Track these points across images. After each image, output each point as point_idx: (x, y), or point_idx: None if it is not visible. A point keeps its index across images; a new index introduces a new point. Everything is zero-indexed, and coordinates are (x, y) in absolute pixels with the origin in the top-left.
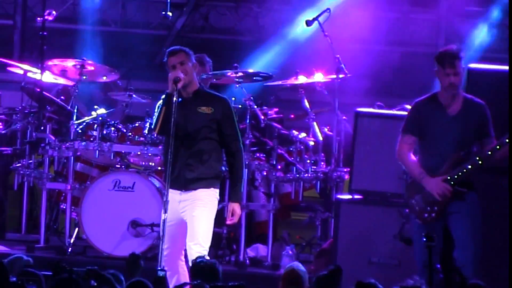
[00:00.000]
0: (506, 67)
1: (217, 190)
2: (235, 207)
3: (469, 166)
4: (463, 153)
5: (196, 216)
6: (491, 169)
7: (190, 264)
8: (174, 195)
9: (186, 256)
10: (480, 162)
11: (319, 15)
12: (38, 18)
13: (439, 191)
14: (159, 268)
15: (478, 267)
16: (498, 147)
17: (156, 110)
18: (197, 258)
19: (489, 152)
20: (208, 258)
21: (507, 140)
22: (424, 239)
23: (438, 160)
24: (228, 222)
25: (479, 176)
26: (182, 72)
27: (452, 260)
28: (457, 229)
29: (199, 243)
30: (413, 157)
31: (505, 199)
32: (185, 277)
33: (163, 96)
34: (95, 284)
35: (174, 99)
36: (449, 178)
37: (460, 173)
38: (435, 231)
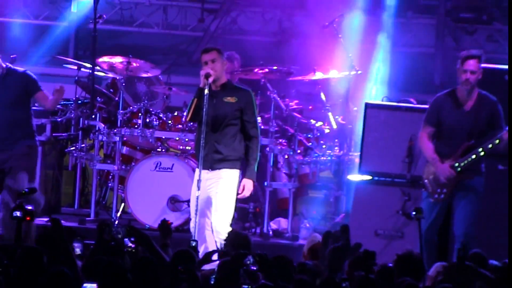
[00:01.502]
0: (499, 66)
1: (239, 171)
2: (247, 183)
3: (473, 156)
4: (472, 143)
5: (219, 193)
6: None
7: (215, 235)
8: (203, 174)
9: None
10: (482, 154)
11: (333, 20)
12: (91, 21)
13: (445, 175)
14: (192, 239)
15: (475, 241)
16: (497, 141)
17: (190, 102)
18: (232, 230)
19: (490, 146)
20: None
21: (503, 135)
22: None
23: (451, 148)
24: (239, 196)
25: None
26: (212, 68)
27: (450, 234)
28: (459, 209)
29: (222, 218)
30: (430, 144)
31: (501, 180)
32: (211, 245)
33: (196, 90)
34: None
35: (206, 91)
36: (456, 164)
37: (465, 161)
38: (442, 210)
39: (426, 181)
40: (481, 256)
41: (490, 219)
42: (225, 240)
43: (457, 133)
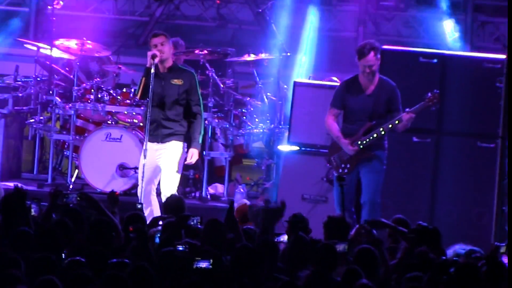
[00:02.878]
0: (415, 49)
1: (185, 144)
2: (194, 152)
3: (375, 135)
4: (374, 123)
5: (168, 163)
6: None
7: (163, 199)
8: (152, 146)
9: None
10: (383, 132)
11: (265, 7)
12: (49, 7)
13: (348, 150)
14: (138, 202)
15: (380, 207)
16: (397, 121)
17: (139, 81)
18: (171, 195)
19: (390, 126)
20: (177, 194)
21: (403, 117)
22: (336, 180)
23: (355, 127)
24: (186, 162)
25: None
26: (161, 50)
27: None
28: (364, 180)
29: (170, 184)
30: (335, 124)
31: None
32: (156, 209)
33: (144, 69)
34: (84, 204)
35: (152, 70)
36: (359, 142)
37: (367, 139)
38: (348, 182)
39: (332, 158)
40: (403, 220)
41: (406, 187)
42: (163, 203)
43: (359, 115)
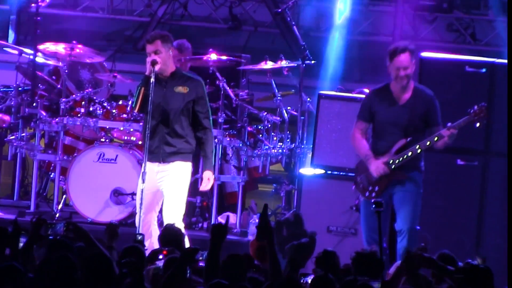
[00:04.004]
0: (460, 57)
1: (191, 164)
2: (209, 175)
3: (409, 153)
4: (409, 140)
5: (172, 186)
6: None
7: None
8: (152, 167)
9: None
10: (419, 151)
11: (286, 6)
12: (32, 4)
13: (378, 172)
14: (137, 233)
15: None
16: (436, 138)
17: (136, 91)
18: (166, 225)
19: (428, 143)
20: (181, 224)
21: (444, 134)
22: (373, 206)
23: (386, 144)
24: (201, 188)
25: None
26: (155, 60)
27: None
28: (398, 204)
29: (174, 211)
30: (363, 141)
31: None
32: (157, 241)
33: (143, 78)
34: (72, 236)
35: (152, 79)
36: (390, 162)
37: (400, 158)
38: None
39: (358, 178)
40: (450, 256)
41: (448, 217)
42: (159, 236)
43: (391, 129)
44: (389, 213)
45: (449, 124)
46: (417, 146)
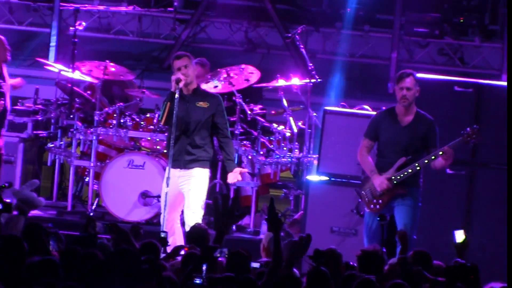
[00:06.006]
0: (450, 77)
1: (209, 170)
2: (237, 170)
3: (410, 170)
4: (409, 158)
5: (192, 190)
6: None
7: (187, 229)
8: (174, 172)
9: (182, 221)
10: (418, 168)
11: (295, 32)
12: (71, 28)
13: (382, 187)
14: (161, 230)
15: (415, 243)
16: (433, 157)
17: (162, 106)
18: (194, 225)
19: (426, 161)
20: (202, 224)
21: (440, 153)
22: (378, 219)
23: (389, 161)
24: (229, 180)
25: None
26: (185, 73)
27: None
28: (399, 217)
29: (194, 212)
30: (368, 157)
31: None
32: (180, 238)
33: (168, 94)
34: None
35: (177, 95)
36: (392, 178)
37: (401, 175)
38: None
39: (363, 192)
40: (425, 254)
41: (437, 219)
42: (186, 232)
43: (394, 147)
44: (388, 223)
45: (445, 146)
46: (416, 164)
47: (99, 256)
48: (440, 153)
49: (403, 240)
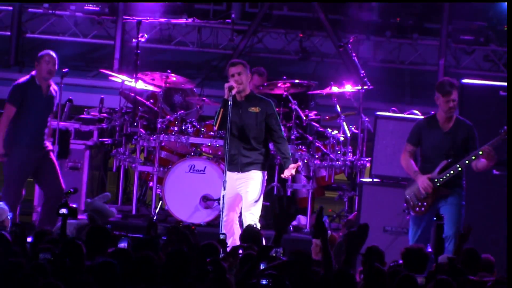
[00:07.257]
0: (495, 83)
1: (265, 172)
2: (293, 166)
3: (452, 172)
4: (450, 161)
5: (249, 192)
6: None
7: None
8: (232, 175)
9: (240, 222)
10: (459, 169)
11: (348, 41)
12: (134, 40)
13: (424, 186)
14: (221, 232)
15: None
16: (473, 157)
17: (216, 112)
18: (247, 225)
19: (467, 161)
20: (257, 225)
21: (480, 153)
22: (434, 218)
23: (431, 166)
24: (283, 175)
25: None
26: (239, 80)
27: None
28: (445, 214)
29: (252, 213)
30: (411, 160)
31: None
32: (238, 238)
33: (222, 100)
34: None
35: (230, 102)
36: (435, 180)
37: (444, 177)
38: (425, 222)
39: (408, 196)
40: (474, 251)
41: (486, 222)
42: (240, 235)
43: (435, 152)
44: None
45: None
46: (458, 165)
47: (154, 259)
48: (480, 152)
49: (463, 237)
